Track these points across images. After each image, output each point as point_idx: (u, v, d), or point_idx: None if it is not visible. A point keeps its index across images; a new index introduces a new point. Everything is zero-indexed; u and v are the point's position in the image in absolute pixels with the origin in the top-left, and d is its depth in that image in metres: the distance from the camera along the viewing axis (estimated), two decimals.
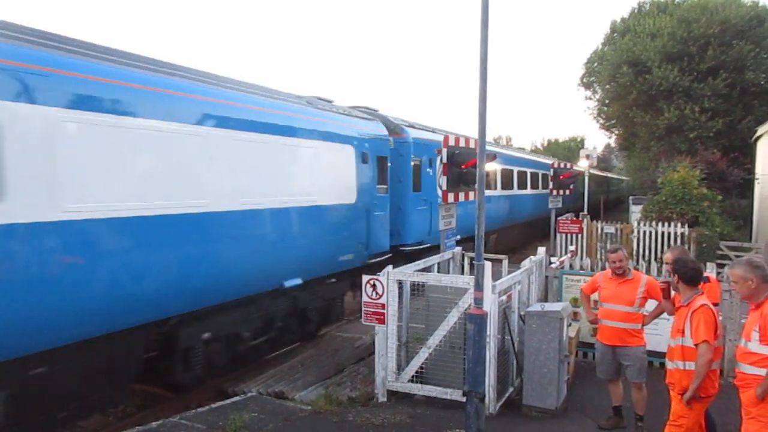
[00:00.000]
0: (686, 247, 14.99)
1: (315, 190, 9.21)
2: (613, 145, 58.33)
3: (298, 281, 8.75)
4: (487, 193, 12.68)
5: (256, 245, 7.92)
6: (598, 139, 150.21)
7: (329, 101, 11.32)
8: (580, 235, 16.64)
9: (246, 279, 7.78)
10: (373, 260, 10.82)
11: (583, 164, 24.37)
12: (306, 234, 9.01)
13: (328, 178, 9.61)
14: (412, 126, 13.60)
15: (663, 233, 15.69)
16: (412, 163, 12.71)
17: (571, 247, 15.29)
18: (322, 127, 9.63)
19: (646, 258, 15.44)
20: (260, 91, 8.88)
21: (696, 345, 4.60)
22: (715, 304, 5.36)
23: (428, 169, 13.34)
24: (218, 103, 7.49)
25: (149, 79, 6.61)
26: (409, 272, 7.36)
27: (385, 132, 11.93)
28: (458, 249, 9.75)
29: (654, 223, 16.04)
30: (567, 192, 19.93)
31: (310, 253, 9.11)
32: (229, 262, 7.40)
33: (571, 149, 66.61)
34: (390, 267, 7.19)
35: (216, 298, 7.37)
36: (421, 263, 8.25)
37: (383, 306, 6.90)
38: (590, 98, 38.01)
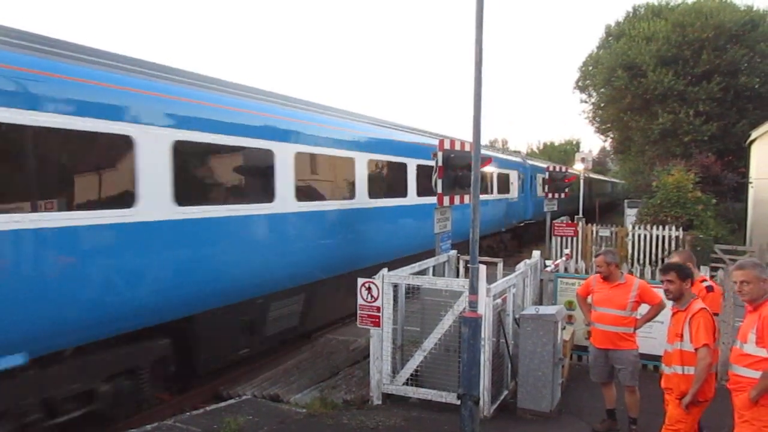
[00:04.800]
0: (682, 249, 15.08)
1: None
2: (608, 148, 58.59)
3: None
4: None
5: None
6: (594, 143, 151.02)
7: None
8: (575, 239, 16.68)
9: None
10: None
11: (578, 167, 24.41)
12: None
13: None
14: None
15: (658, 236, 15.75)
16: None
17: (566, 251, 15.31)
18: None
19: (641, 261, 15.48)
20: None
21: (696, 349, 4.57)
22: (715, 314, 5.28)
23: None
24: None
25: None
26: (404, 275, 7.36)
27: None
28: (453, 252, 9.75)
29: (649, 226, 16.09)
30: (563, 195, 19.93)
31: None
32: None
33: (567, 152, 66.87)
34: (385, 270, 7.18)
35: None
36: (416, 266, 8.25)
37: (378, 309, 6.90)
38: (585, 102, 38.30)
